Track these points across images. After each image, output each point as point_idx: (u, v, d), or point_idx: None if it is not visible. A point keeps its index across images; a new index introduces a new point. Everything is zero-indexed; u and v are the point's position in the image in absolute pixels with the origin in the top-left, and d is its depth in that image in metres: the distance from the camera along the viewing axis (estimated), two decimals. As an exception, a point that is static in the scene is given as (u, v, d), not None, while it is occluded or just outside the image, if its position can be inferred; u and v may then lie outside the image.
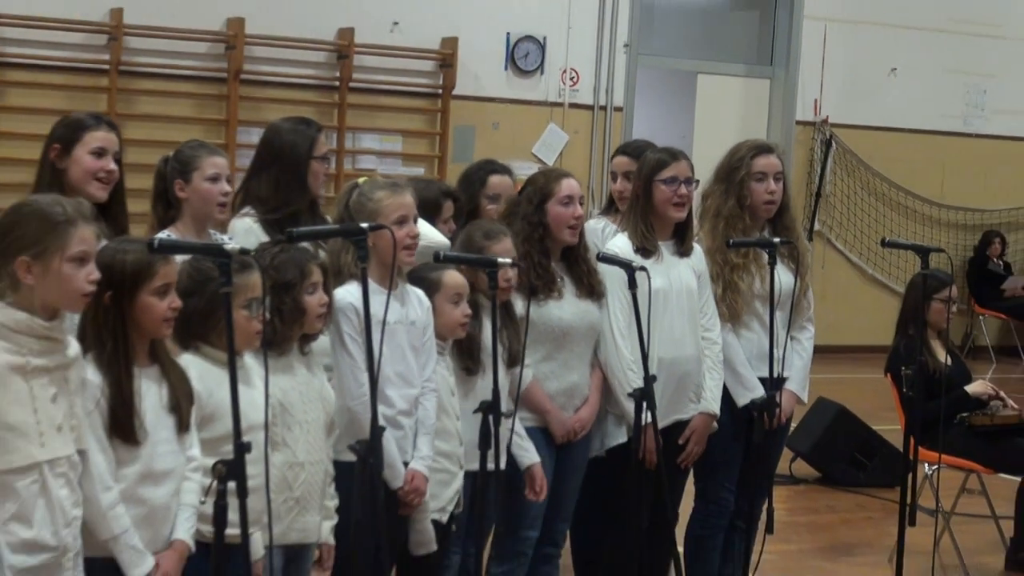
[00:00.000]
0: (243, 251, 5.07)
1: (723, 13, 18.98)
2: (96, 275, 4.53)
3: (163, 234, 5.87)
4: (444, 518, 6.11)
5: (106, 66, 15.25)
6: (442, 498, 6.08)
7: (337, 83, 16.55)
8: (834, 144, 18.99)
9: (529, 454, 6.53)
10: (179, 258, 5.00)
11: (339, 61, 16.52)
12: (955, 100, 19.62)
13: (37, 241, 4.41)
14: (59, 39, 15.10)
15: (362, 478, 5.40)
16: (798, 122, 18.84)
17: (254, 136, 6.75)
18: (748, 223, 7.17)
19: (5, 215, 4.60)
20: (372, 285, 5.25)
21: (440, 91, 17.08)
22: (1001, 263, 19.64)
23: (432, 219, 6.51)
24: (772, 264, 7.03)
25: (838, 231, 18.95)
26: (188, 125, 13.98)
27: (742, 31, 19.15)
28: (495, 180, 7.23)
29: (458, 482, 6.16)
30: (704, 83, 19.40)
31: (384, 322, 5.42)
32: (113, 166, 5.99)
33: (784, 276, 7.15)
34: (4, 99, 14.79)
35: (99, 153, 5.96)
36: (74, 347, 4.64)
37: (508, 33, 17.43)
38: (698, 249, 7.16)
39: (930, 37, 19.30)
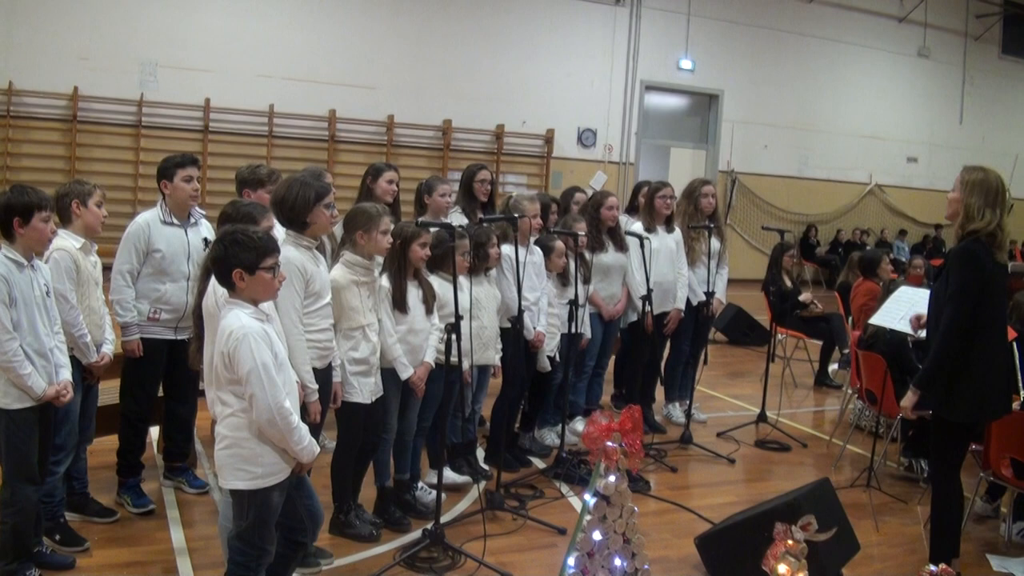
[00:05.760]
0: (460, 227, 5.25)
1: (683, 117, 18.71)
2: (391, 239, 4.71)
3: (421, 219, 5.93)
4: (550, 354, 6.16)
5: (385, 142, 15.40)
6: (551, 346, 6.14)
7: (495, 150, 16.48)
8: (736, 181, 18.81)
9: (587, 332, 6.53)
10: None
11: (496, 140, 16.45)
12: (794, 160, 19.36)
13: (366, 223, 4.58)
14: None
15: (514, 335, 5.55)
16: (720, 171, 18.63)
17: (457, 175, 6.85)
18: (699, 218, 7.15)
19: (349, 212, 4.74)
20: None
21: (545, 154, 16.95)
22: (816, 240, 19.52)
23: (546, 215, 6.56)
24: (710, 237, 7.13)
25: (739, 223, 18.75)
26: (424, 170, 14.04)
27: (692, 126, 18.92)
28: (578, 196, 7.25)
29: (557, 337, 6.18)
30: (673, 153, 19.09)
31: (524, 263, 5.58)
32: (395, 188, 6.12)
33: (715, 243, 7.18)
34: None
35: (389, 181, 6.10)
36: (376, 272, 4.78)
37: (578, 126, 17.31)
38: (677, 230, 7.13)
39: (782, 130, 18.99)
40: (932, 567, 2.97)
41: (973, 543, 5.28)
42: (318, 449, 3.49)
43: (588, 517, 2.82)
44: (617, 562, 2.80)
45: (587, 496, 2.90)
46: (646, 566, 2.84)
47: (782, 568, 2.56)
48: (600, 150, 17.66)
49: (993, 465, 5.10)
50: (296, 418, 3.38)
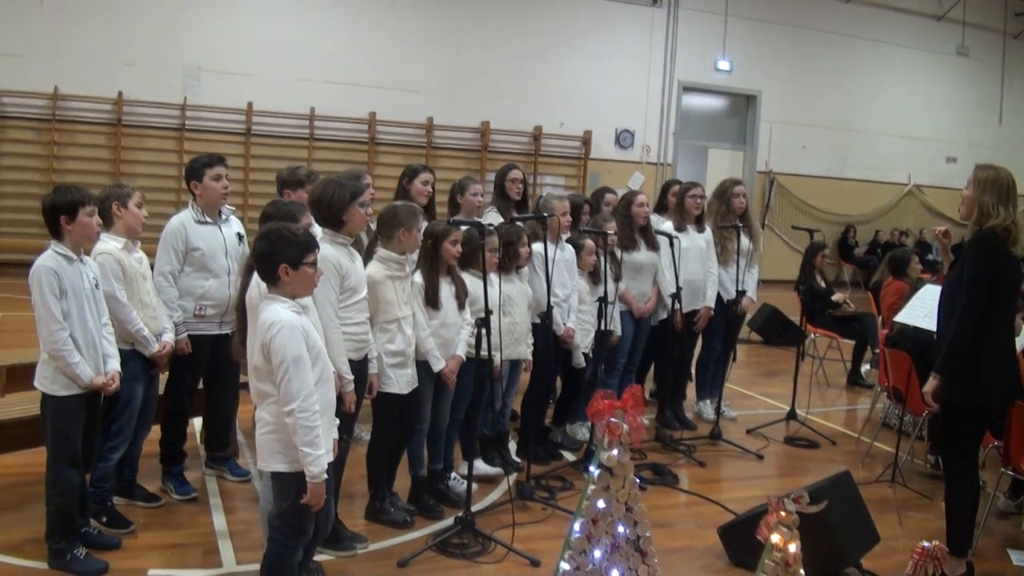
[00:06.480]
0: (490, 225, 5.40)
1: (721, 118, 18.74)
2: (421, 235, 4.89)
3: (453, 218, 6.07)
4: (585, 350, 6.28)
5: (424, 144, 15.62)
6: (585, 342, 6.25)
7: (532, 151, 16.60)
8: (775, 182, 18.81)
9: (617, 330, 6.62)
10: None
11: (534, 141, 16.58)
12: (833, 160, 19.28)
13: (405, 222, 4.75)
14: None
15: (543, 330, 5.69)
16: (758, 172, 18.64)
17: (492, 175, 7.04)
18: (731, 218, 7.25)
19: (387, 211, 4.87)
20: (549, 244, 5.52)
21: (582, 156, 17.06)
22: (855, 241, 19.52)
23: (578, 215, 6.63)
24: (739, 237, 7.23)
25: (777, 223, 18.67)
26: (459, 171, 14.15)
27: (731, 127, 18.94)
28: (608, 196, 7.37)
29: (592, 334, 6.25)
30: (712, 153, 19.19)
31: (554, 260, 5.71)
32: (430, 190, 6.25)
33: (745, 242, 7.27)
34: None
35: (424, 182, 6.24)
36: (409, 268, 4.95)
37: (616, 127, 17.42)
38: (708, 229, 7.24)
39: (821, 130, 18.93)
40: (925, 543, 3.08)
41: (995, 538, 5.35)
42: (325, 474, 3.45)
43: (592, 487, 2.98)
44: (620, 528, 2.97)
45: (591, 467, 3.07)
46: (648, 533, 2.99)
47: (775, 538, 2.69)
48: (638, 151, 17.72)
49: (1014, 461, 5.16)
50: (318, 425, 3.40)
